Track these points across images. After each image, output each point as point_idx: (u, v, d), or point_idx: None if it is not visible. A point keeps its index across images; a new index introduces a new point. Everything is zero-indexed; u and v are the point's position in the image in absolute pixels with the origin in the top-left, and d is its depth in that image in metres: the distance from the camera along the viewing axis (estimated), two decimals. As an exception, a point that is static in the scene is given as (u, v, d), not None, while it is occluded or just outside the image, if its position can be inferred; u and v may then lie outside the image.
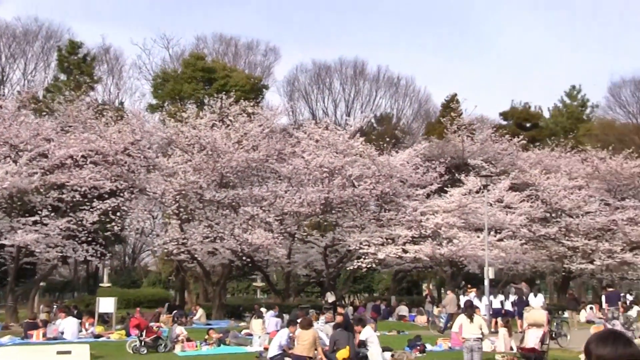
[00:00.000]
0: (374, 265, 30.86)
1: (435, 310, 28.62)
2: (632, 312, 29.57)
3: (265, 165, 31.09)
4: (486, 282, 26.02)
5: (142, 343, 18.54)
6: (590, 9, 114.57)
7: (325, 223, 34.40)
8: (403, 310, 33.27)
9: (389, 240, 30.36)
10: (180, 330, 20.34)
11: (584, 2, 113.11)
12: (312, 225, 34.43)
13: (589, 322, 29.85)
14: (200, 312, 29.28)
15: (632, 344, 3.18)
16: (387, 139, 34.80)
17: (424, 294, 42.86)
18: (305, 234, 32.47)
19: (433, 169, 33.90)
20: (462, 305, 21.97)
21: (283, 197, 29.17)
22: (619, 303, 28.16)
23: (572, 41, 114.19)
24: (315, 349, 15.97)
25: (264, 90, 45.55)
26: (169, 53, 53.29)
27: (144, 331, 18.84)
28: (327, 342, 17.22)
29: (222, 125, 30.27)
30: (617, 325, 14.16)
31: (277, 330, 18.62)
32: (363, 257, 29.65)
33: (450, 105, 40.26)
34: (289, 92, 50.48)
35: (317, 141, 31.28)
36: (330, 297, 30.54)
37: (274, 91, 53.66)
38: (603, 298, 28.15)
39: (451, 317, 25.66)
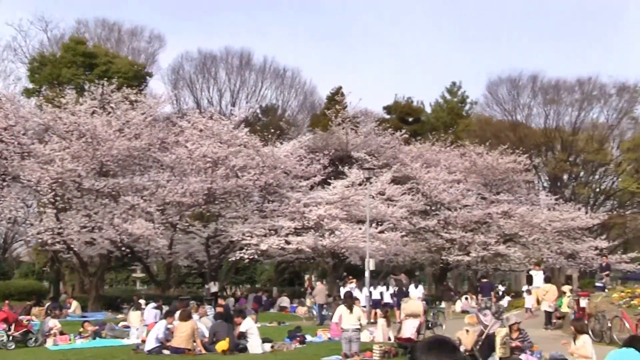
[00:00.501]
0: (256, 257, 31.28)
1: (308, 302, 29.37)
2: (504, 302, 31.69)
3: (147, 154, 30.97)
4: (367, 274, 27.01)
5: (10, 338, 18.08)
6: (472, 8, 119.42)
7: (208, 214, 34.58)
8: (284, 301, 34.04)
9: (271, 231, 30.89)
10: (53, 323, 19.83)
11: (467, 1, 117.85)
12: (194, 216, 34.52)
13: (464, 311, 31.49)
14: (75, 304, 28.88)
15: (457, 351, 3.23)
16: (272, 130, 35.36)
17: (305, 285, 43.93)
18: (187, 224, 32.52)
19: (317, 160, 34.74)
20: (341, 296, 22.72)
21: (165, 186, 29.18)
22: (492, 293, 30.14)
23: (454, 38, 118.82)
24: (194, 341, 16.23)
25: (147, 77, 45.01)
26: (47, 36, 51.51)
27: (12, 325, 18.40)
28: (207, 334, 17.54)
29: (103, 112, 29.89)
30: (488, 315, 15.24)
31: (156, 322, 18.61)
32: (245, 248, 30.02)
33: (335, 98, 41.33)
34: (174, 81, 50.14)
35: (201, 131, 31.43)
36: (212, 288, 30.91)
37: (158, 79, 52.87)
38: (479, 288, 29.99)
39: (321, 308, 26.71)
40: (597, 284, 23.37)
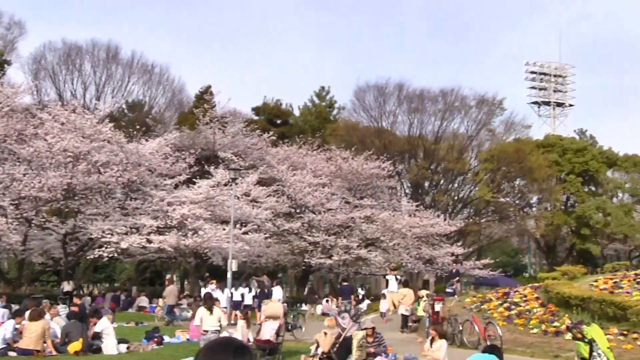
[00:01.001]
0: (116, 255, 31.07)
1: (161, 302, 29.55)
2: (363, 305, 33.12)
3: (3, 145, 30.08)
4: (229, 275, 27.49)
5: None
6: (344, 16, 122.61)
7: (67, 210, 33.93)
8: (143, 301, 33.91)
9: (133, 229, 30.82)
10: None
11: (339, 9, 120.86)
12: (51, 211, 33.78)
13: (324, 314, 32.52)
14: None
15: (246, 353, 2.99)
16: (138, 127, 35.14)
17: (166, 284, 43.76)
18: (43, 220, 31.81)
19: (183, 159, 34.92)
20: (201, 297, 23.03)
21: (21, 180, 28.52)
22: (352, 296, 31.44)
23: (324, 43, 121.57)
24: (44, 342, 15.81)
25: (5, 65, 43.35)
26: None
27: None
28: (60, 334, 17.14)
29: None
30: (347, 318, 16.00)
31: (3, 322, 18.04)
32: (105, 246, 29.82)
33: (204, 97, 41.61)
34: (35, 71, 48.35)
35: (62, 124, 30.90)
36: (66, 287, 30.40)
37: (18, 68, 50.78)
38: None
39: (170, 309, 27.04)
40: (448, 290, 24.95)
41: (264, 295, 27.23)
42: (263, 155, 39.74)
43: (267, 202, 35.66)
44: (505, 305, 24.29)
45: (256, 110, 57.86)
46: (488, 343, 18.77)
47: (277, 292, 28.09)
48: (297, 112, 61.40)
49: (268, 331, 16.31)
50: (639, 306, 19.41)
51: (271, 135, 41.29)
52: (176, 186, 34.11)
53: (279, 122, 57.71)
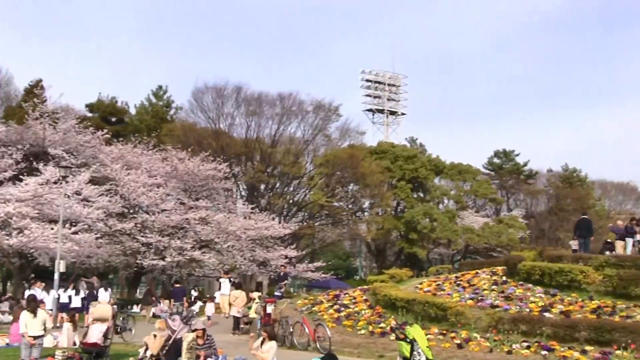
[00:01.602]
0: None
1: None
2: (195, 307, 33.38)
3: None
4: (56, 276, 26.92)
5: None
6: (179, 15, 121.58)
7: None
8: (-41, 304, 32.34)
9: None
10: None
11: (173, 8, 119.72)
12: None
13: (156, 316, 32.45)
14: None
15: None
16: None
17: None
18: None
19: (9, 155, 33.68)
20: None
21: None
22: (184, 298, 31.62)
23: (162, 43, 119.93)
24: None
25: None
26: None
27: None
28: None
29: None
30: (177, 320, 16.15)
31: None
32: None
33: (34, 91, 40.29)
34: None
35: None
36: None
37: None
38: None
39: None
40: (276, 293, 25.67)
41: (93, 297, 26.87)
42: (96, 154, 38.95)
43: (99, 201, 35.05)
44: (335, 307, 25.43)
45: (90, 107, 56.49)
46: (318, 345, 19.82)
47: (103, 294, 27.77)
48: (133, 111, 60.58)
49: (95, 334, 16.21)
50: (458, 307, 21.23)
51: (105, 133, 40.57)
52: (1, 183, 32.84)
53: (114, 120, 56.68)
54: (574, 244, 32.27)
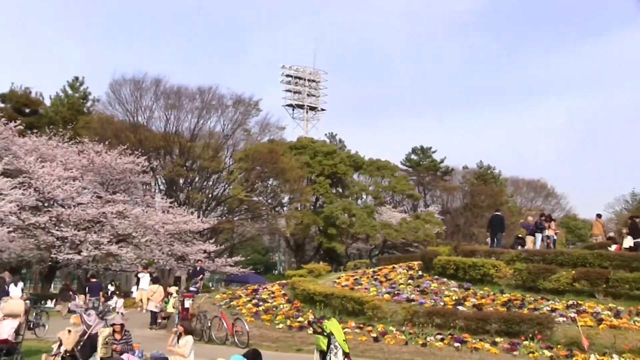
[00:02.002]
0: None
1: None
2: (112, 302, 32.90)
3: None
4: (-38, 271, 26.08)
5: None
6: (102, 7, 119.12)
7: None
8: None
9: None
10: None
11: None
12: None
13: (71, 311, 31.88)
14: None
15: None
16: None
17: None
18: None
19: None
20: None
21: None
22: (100, 293, 31.14)
23: (80, 33, 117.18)
24: None
25: None
26: None
27: None
28: None
29: None
30: (92, 315, 15.84)
31: None
32: None
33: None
34: None
35: None
36: None
37: None
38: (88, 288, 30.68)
39: None
40: (192, 288, 25.63)
41: (4, 292, 26.20)
42: (9, 145, 37.89)
43: (11, 194, 34.14)
44: (254, 301, 25.65)
45: (2, 97, 54.82)
46: (236, 339, 19.95)
47: (14, 289, 27.13)
48: (48, 102, 58.93)
49: (6, 330, 15.68)
50: (375, 301, 21.71)
51: (18, 125, 39.51)
52: None
53: (27, 111, 55.10)
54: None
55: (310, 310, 22.84)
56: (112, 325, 15.43)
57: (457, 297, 22.41)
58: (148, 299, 27.15)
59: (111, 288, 39.19)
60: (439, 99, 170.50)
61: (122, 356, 14.67)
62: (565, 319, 19.47)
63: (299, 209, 60.20)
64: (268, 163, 51.96)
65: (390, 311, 21.31)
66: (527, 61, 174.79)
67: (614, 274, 21.39)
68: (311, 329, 13.52)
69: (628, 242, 27.95)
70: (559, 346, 17.43)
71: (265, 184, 56.40)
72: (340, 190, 66.25)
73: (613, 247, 28.45)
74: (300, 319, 22.31)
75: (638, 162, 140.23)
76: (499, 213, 32.20)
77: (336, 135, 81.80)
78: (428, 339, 18.85)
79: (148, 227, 39.50)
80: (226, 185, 53.86)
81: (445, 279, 24.70)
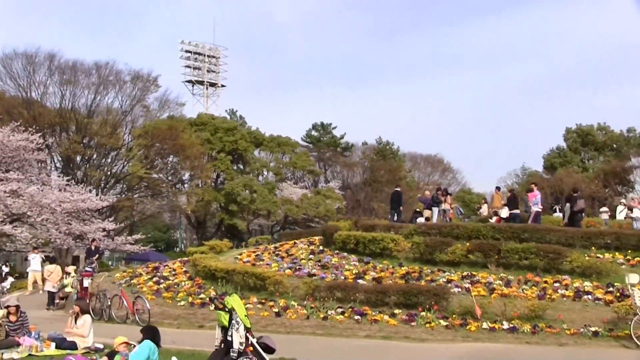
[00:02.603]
0: None
1: None
2: (6, 284, 31.99)
3: None
4: None
5: None
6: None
7: None
8: None
9: None
10: None
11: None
12: None
13: (-36, 294, 30.82)
14: None
15: None
16: None
17: None
18: None
19: None
20: None
21: None
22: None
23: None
24: None
25: None
26: None
27: None
28: None
29: None
30: None
31: None
32: None
33: None
34: None
35: None
36: None
37: None
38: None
39: None
40: (87, 268, 25.19)
41: None
42: None
43: None
44: (155, 279, 25.47)
45: None
46: (137, 317, 19.74)
47: None
48: None
49: None
50: (277, 277, 21.89)
51: None
52: None
53: None
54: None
55: (212, 287, 22.83)
56: (7, 307, 15.14)
57: (357, 271, 22.84)
58: (44, 279, 26.46)
59: (5, 269, 37.95)
60: (338, 75, 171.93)
61: (20, 339, 14.38)
62: (460, 289, 20.21)
63: (200, 186, 59.82)
64: (168, 140, 51.31)
65: (292, 286, 21.53)
66: (424, 38, 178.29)
67: (505, 245, 22.31)
68: (213, 305, 13.51)
69: (504, 212, 29.27)
70: (454, 316, 18.06)
71: (165, 160, 55.75)
72: (241, 166, 66.20)
73: (493, 219, 29.75)
74: (201, 295, 22.28)
75: (528, 138, 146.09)
76: (398, 189, 32.96)
77: (237, 111, 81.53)
78: (329, 312, 19.15)
79: (44, 206, 38.25)
80: (125, 163, 52.85)
81: (345, 254, 25.13)
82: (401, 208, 32.09)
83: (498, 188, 34.32)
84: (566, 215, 27.67)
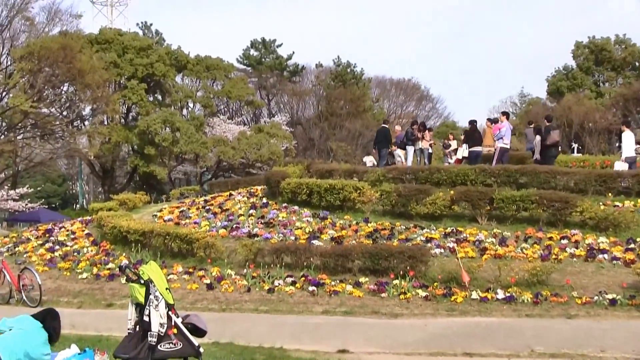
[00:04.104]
0: None
1: None
2: None
3: None
4: None
5: None
6: None
7: None
8: None
9: None
10: None
11: None
12: None
13: None
14: None
15: None
16: None
17: None
18: None
19: None
20: None
21: None
22: None
23: None
24: None
25: None
26: None
27: None
28: None
29: None
30: None
31: None
32: None
33: None
34: None
35: None
36: None
37: None
38: None
39: None
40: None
41: None
42: None
43: None
44: (48, 245, 25.34)
45: None
46: (24, 295, 19.57)
47: None
48: None
49: None
50: (208, 238, 21.77)
51: None
52: None
53: None
54: (369, 159, 34.16)
55: (124, 254, 22.79)
56: None
57: (311, 230, 22.92)
58: None
59: None
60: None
61: None
62: (442, 250, 20.36)
63: (106, 123, 59.16)
64: (60, 63, 50.32)
65: (228, 250, 21.54)
66: None
67: (499, 192, 22.39)
68: (124, 277, 13.40)
69: (462, 151, 29.62)
70: (435, 284, 18.09)
71: (57, 90, 54.82)
72: (160, 97, 65.64)
73: (452, 160, 30.12)
74: (110, 265, 22.22)
75: (528, 56, 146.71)
76: (385, 125, 33.07)
77: (152, 25, 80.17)
78: (276, 283, 19.19)
79: None
80: (4, 94, 51.86)
81: (296, 207, 25.21)
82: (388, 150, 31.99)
83: (490, 120, 34.47)
84: (537, 150, 28.10)
